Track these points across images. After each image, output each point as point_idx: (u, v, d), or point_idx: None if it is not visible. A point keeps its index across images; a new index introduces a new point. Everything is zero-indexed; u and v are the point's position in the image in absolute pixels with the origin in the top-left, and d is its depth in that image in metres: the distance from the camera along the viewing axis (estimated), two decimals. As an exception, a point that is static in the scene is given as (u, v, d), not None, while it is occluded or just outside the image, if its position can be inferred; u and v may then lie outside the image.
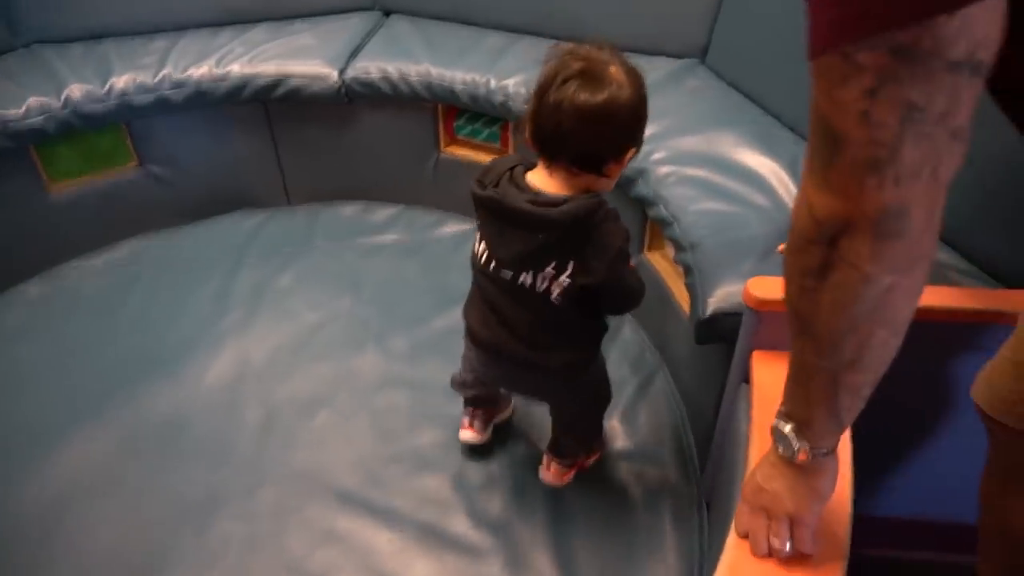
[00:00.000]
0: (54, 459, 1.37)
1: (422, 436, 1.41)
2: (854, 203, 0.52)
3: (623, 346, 1.59)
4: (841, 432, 0.71)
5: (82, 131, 1.74)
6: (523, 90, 1.69)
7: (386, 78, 1.81)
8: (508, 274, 1.02)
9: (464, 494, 1.31)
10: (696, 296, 1.14)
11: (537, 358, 1.07)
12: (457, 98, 1.77)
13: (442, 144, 1.94)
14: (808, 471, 0.72)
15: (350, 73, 1.82)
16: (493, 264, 1.02)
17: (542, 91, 0.94)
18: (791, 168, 1.33)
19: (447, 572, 1.19)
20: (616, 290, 1.02)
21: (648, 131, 1.44)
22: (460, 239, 1.93)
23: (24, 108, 1.64)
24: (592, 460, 1.35)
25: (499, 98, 1.71)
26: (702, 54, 1.76)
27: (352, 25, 2.00)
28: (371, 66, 1.82)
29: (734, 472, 0.98)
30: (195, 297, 1.73)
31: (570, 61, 0.93)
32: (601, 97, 0.90)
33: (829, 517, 0.78)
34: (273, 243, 1.91)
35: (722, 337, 1.13)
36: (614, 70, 0.92)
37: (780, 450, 0.72)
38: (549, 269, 0.98)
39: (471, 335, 1.13)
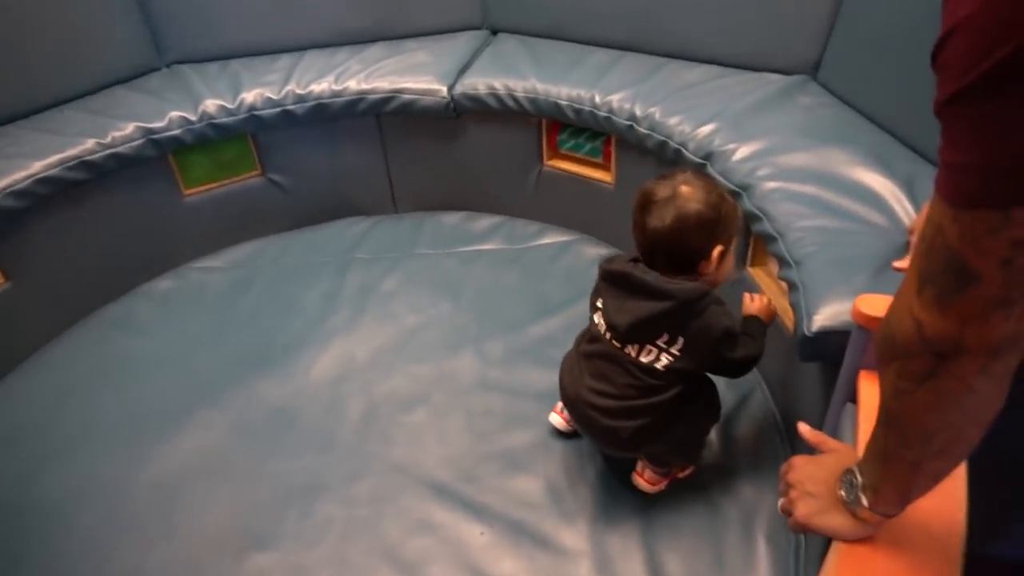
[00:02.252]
0: (172, 443, 1.48)
1: (515, 438, 1.44)
2: (974, 332, 0.52)
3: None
4: (908, 504, 0.71)
5: (214, 141, 1.89)
6: (627, 106, 1.71)
7: (493, 93, 1.87)
8: (617, 344, 1.17)
9: (555, 496, 1.32)
10: (801, 312, 1.11)
11: (615, 425, 1.18)
12: (562, 113, 1.81)
13: (545, 157, 1.98)
14: (863, 519, 0.73)
15: (458, 88, 1.90)
16: (608, 333, 1.18)
17: (633, 215, 1.15)
18: (907, 186, 1.29)
19: (535, 570, 1.21)
20: (725, 365, 1.17)
21: (753, 148, 1.47)
22: (559, 249, 1.96)
23: (166, 120, 1.80)
24: (688, 472, 1.34)
25: (603, 113, 1.74)
26: (813, 70, 1.72)
27: (462, 43, 2.08)
28: (479, 82, 1.89)
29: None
30: (306, 297, 1.84)
31: (651, 187, 1.14)
32: (669, 219, 1.10)
33: (938, 555, 0.75)
34: (379, 248, 2.00)
35: (827, 355, 1.10)
36: (684, 189, 1.11)
37: (843, 494, 0.74)
38: (661, 341, 1.13)
39: (562, 391, 1.28)
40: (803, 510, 0.78)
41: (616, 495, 1.31)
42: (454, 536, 1.27)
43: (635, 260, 1.17)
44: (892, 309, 0.58)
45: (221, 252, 2.03)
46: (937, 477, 0.65)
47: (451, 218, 2.12)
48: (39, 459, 1.47)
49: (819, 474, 0.79)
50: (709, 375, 1.25)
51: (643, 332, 1.13)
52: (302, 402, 1.56)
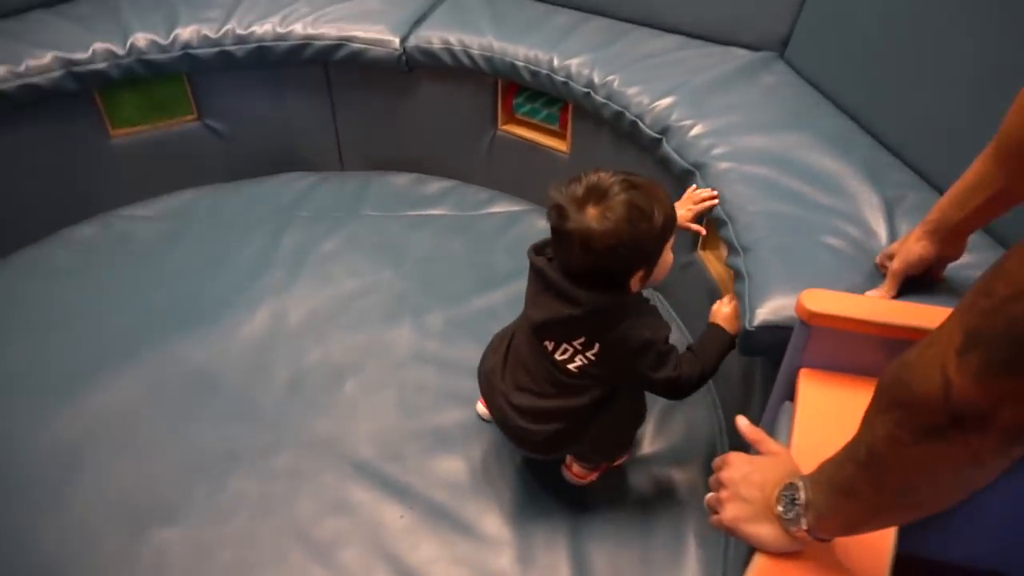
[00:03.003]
0: (78, 402, 1.38)
1: (446, 416, 1.38)
2: (1014, 414, 0.45)
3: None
4: (849, 535, 0.67)
5: (145, 79, 1.75)
6: (586, 71, 1.62)
7: (447, 48, 1.76)
8: (535, 337, 1.09)
9: (481, 480, 1.27)
10: (744, 304, 1.06)
11: (529, 427, 1.12)
12: (518, 74, 1.71)
13: (500, 121, 1.89)
14: (795, 537, 0.69)
15: (412, 41, 1.79)
16: (527, 319, 1.10)
17: (549, 216, 1.01)
18: (865, 172, 1.24)
19: (454, 557, 1.16)
20: (650, 383, 1.07)
21: (711, 125, 1.40)
22: (509, 219, 1.88)
23: (90, 52, 1.66)
24: (619, 462, 1.29)
25: (560, 77, 1.65)
26: (781, 47, 1.65)
27: (420, -8, 1.96)
28: (434, 35, 1.78)
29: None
30: (239, 253, 1.74)
31: (559, 207, 0.98)
32: (577, 258, 0.97)
33: (869, 553, 0.71)
34: (322, 207, 1.90)
35: (769, 350, 1.05)
36: (591, 218, 0.96)
37: (780, 509, 0.69)
38: (577, 343, 1.05)
39: (480, 376, 1.21)
40: (732, 513, 0.74)
41: (544, 483, 1.27)
42: (372, 517, 1.21)
43: None
44: (918, 357, 0.51)
45: (152, 201, 1.90)
46: (894, 523, 0.61)
47: (400, 179, 2.02)
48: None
49: (755, 477, 0.74)
50: None
51: (556, 331, 1.06)
52: (224, 366, 1.47)
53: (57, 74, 1.63)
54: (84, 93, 1.70)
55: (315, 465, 1.29)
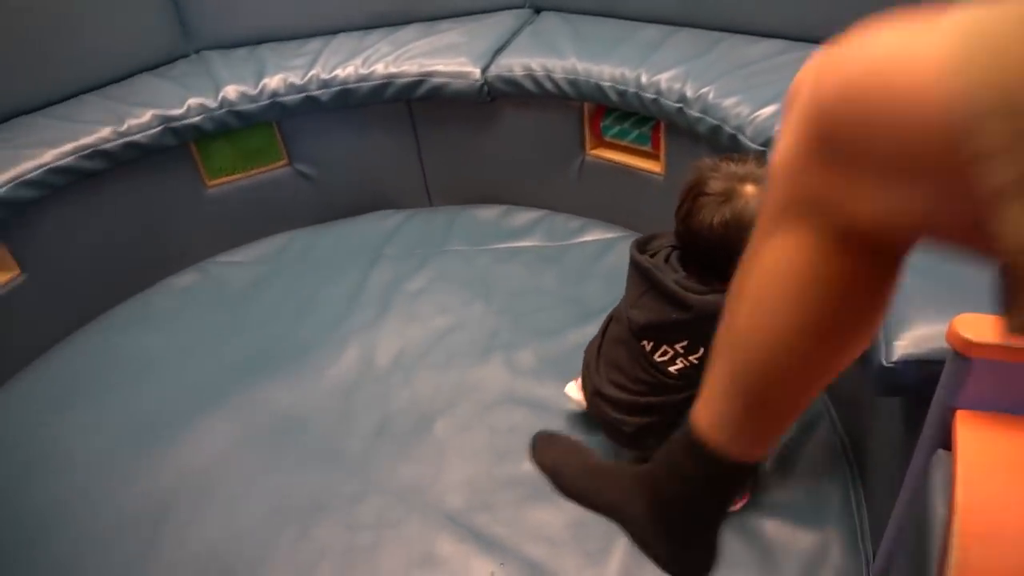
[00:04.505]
0: (171, 449, 1.38)
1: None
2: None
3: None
4: None
5: (237, 130, 1.79)
6: (677, 86, 1.52)
7: (530, 75, 1.70)
8: (636, 337, 1.05)
9: (580, 532, 1.16)
10: (879, 337, 0.91)
11: (620, 418, 1.09)
12: (604, 95, 1.62)
13: (588, 146, 1.80)
14: None
15: (493, 70, 1.74)
16: (628, 321, 1.06)
17: (681, 200, 0.98)
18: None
19: (550, 622, 1.05)
20: None
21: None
22: (602, 248, 1.78)
23: (185, 107, 1.71)
24: (736, 506, 1.15)
25: (649, 95, 1.54)
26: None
27: (500, 23, 1.92)
28: (515, 63, 1.73)
29: (924, 563, 0.75)
30: (329, 293, 1.73)
31: (707, 174, 0.96)
32: (718, 221, 0.93)
33: None
34: (410, 244, 1.87)
35: (910, 390, 0.89)
36: (747, 189, 0.94)
37: None
38: (679, 346, 1.02)
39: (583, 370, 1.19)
40: None
41: (650, 535, 1.14)
42: (461, 572, 1.12)
43: (675, 247, 1.03)
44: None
45: (246, 247, 1.93)
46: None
47: (488, 212, 1.96)
48: (35, 464, 1.40)
49: None
50: None
51: (658, 334, 1.02)
52: (311, 409, 1.44)
53: (156, 130, 1.68)
54: (181, 147, 1.76)
55: (401, 514, 1.22)
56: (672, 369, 1.03)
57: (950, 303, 0.85)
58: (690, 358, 1.01)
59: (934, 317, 0.86)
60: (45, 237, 1.62)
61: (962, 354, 0.75)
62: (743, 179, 0.95)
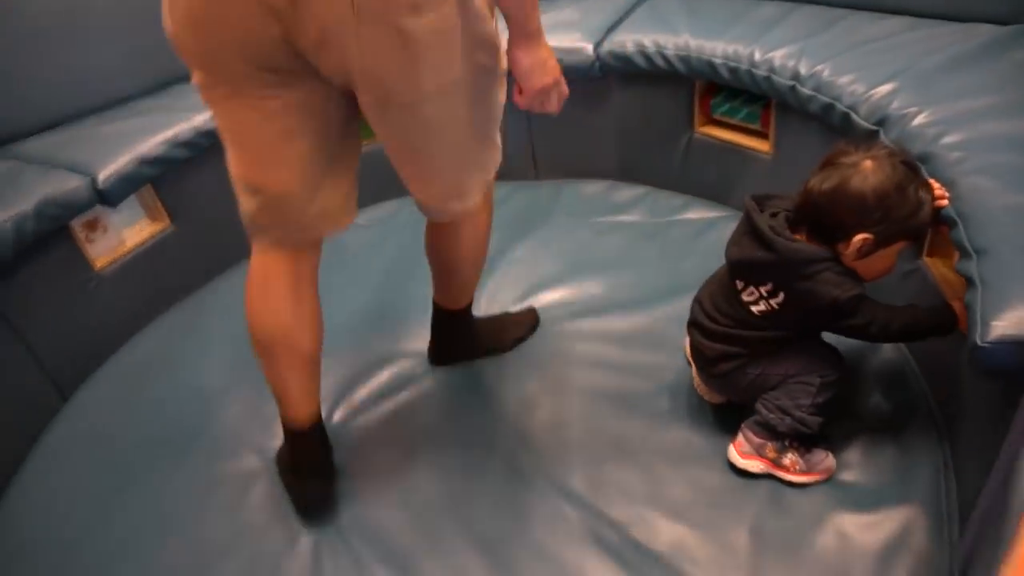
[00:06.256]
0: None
1: (615, 423, 1.33)
2: None
3: (877, 362, 1.34)
4: None
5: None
6: (791, 63, 1.49)
7: (641, 51, 1.72)
8: (729, 275, 1.17)
9: (650, 484, 1.20)
10: (975, 316, 0.89)
11: (704, 343, 1.21)
12: (715, 72, 1.62)
13: (697, 124, 1.80)
14: None
15: (605, 46, 1.77)
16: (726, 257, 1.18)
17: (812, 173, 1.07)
18: None
19: None
20: (837, 329, 1.12)
21: (941, 112, 1.21)
22: (703, 226, 1.78)
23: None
24: (801, 477, 1.17)
25: (762, 72, 1.53)
26: (1039, 19, 1.40)
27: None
28: (628, 39, 1.75)
29: (997, 550, 0.74)
30: (434, 259, 1.82)
31: (844, 148, 1.05)
32: (829, 185, 1.02)
33: None
34: (515, 214, 1.93)
35: (1010, 373, 0.87)
36: (867, 164, 1.01)
37: None
38: (764, 289, 1.11)
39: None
40: None
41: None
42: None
43: (787, 211, 1.11)
44: None
45: (364, 209, 2.05)
46: None
47: (592, 187, 2.00)
48: (175, 391, 1.57)
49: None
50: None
51: (747, 273, 1.13)
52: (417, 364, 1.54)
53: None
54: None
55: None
56: (755, 309, 1.13)
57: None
58: (771, 302, 1.10)
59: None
60: (192, 194, 1.81)
61: (1061, 337, 0.73)
62: (866, 156, 1.01)
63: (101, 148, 1.65)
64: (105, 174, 1.57)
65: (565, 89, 1.08)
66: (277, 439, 1.34)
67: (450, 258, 1.31)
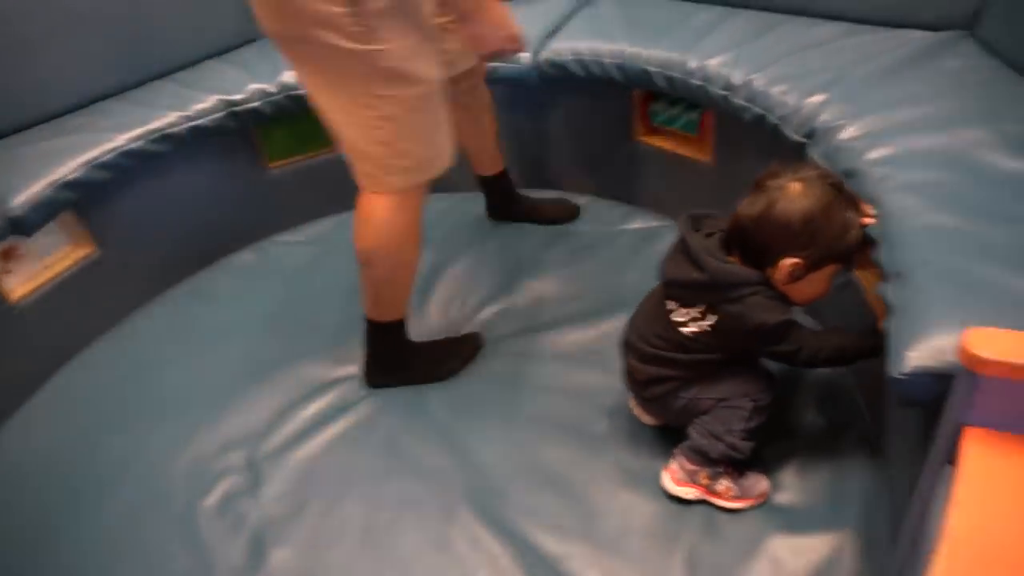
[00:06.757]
0: (221, 422, 1.46)
1: (552, 451, 1.30)
2: None
3: (813, 383, 1.32)
4: None
5: (296, 114, 1.84)
6: (725, 71, 1.46)
7: (578, 59, 1.68)
8: (662, 294, 1.14)
9: (584, 516, 1.17)
10: (892, 345, 0.86)
11: (636, 366, 1.20)
12: (651, 80, 1.59)
13: (638, 132, 1.77)
14: None
15: (543, 55, 1.73)
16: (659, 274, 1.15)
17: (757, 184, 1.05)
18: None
19: None
20: (767, 355, 1.12)
21: (870, 125, 1.19)
22: (645, 236, 1.76)
23: (246, 92, 1.78)
24: (735, 503, 1.14)
25: (696, 81, 1.50)
26: (971, 23, 1.38)
27: (556, 6, 1.89)
28: (564, 47, 1.71)
29: (915, 569, 0.72)
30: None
31: (773, 170, 1.03)
32: (756, 210, 1.00)
33: None
34: (457, 227, 1.90)
35: (926, 403, 0.84)
36: (794, 187, 0.99)
37: None
38: (696, 310, 1.09)
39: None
40: None
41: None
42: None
43: (723, 232, 1.09)
44: None
45: (302, 227, 2.01)
46: None
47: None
48: (102, 426, 1.51)
49: None
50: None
51: (679, 293, 1.11)
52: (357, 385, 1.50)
53: (220, 115, 1.77)
54: (243, 130, 1.84)
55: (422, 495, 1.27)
56: (686, 331, 1.10)
57: (971, 315, 0.80)
58: (703, 324, 1.08)
59: (953, 328, 0.80)
60: (119, 216, 1.74)
61: (971, 370, 0.71)
62: (794, 179, 0.99)
63: (16, 172, 1.57)
64: (18, 200, 1.50)
65: (515, 31, 1.29)
66: (208, 469, 1.30)
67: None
